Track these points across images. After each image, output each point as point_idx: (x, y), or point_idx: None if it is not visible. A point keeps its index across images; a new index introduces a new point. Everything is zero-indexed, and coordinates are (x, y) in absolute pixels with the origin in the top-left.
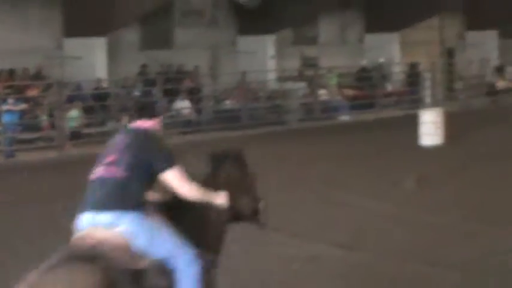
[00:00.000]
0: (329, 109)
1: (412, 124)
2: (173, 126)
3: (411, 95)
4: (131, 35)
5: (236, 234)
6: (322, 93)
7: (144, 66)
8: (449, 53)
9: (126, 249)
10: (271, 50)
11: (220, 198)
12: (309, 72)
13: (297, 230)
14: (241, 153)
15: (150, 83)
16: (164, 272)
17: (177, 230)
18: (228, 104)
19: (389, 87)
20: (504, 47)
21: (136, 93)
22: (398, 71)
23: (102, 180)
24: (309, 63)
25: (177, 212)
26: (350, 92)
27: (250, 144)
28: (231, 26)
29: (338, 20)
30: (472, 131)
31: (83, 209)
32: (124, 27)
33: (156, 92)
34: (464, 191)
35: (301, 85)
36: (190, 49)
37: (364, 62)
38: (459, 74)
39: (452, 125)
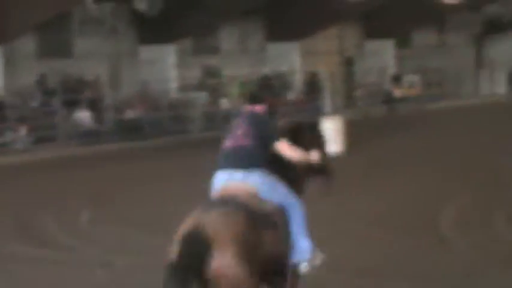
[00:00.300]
0: (231, 118)
1: None
2: (73, 136)
3: (312, 104)
4: (28, 44)
5: None
6: (224, 102)
7: (42, 75)
8: (349, 62)
9: (255, 197)
10: (172, 59)
11: (314, 156)
12: (211, 82)
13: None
14: (316, 122)
15: (49, 92)
16: (282, 214)
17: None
18: (130, 114)
19: (291, 96)
20: (400, 56)
21: (35, 103)
22: (299, 80)
23: (234, 148)
24: (211, 72)
25: (281, 170)
26: None
27: (152, 155)
28: (131, 35)
29: (239, 29)
30: (371, 138)
31: (218, 169)
32: (20, 36)
33: (56, 102)
34: (365, 199)
35: (203, 94)
36: (90, 58)
37: (266, 71)
38: (358, 82)
39: (352, 133)
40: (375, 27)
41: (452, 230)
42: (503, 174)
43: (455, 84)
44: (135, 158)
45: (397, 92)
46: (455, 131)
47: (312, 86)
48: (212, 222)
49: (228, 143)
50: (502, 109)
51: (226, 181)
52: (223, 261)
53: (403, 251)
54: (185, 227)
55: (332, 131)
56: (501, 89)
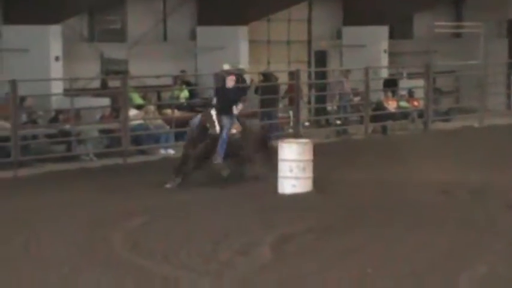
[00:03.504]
0: (143, 139)
1: None
2: None
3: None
4: None
5: None
6: (134, 116)
7: None
8: (321, 58)
9: None
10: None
11: None
12: (114, 83)
13: None
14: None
15: None
16: None
17: None
18: None
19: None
20: (397, 51)
21: None
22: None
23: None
24: (114, 68)
25: None
26: (177, 114)
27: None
28: None
29: None
30: (346, 171)
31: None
32: None
33: None
34: None
35: (104, 102)
36: None
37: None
38: (333, 88)
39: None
40: (359, 7)
41: None
42: None
43: (477, 94)
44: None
45: (392, 104)
46: None
47: (268, 92)
48: None
49: None
50: None
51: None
52: None
53: None
54: None
55: (295, 162)
56: None
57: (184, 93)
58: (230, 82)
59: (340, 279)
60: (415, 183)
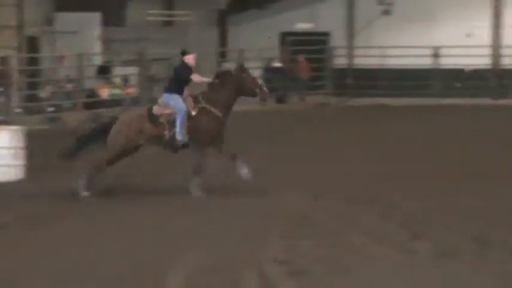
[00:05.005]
0: None
1: None
2: None
3: None
4: None
5: None
6: None
7: None
8: (32, 44)
9: None
10: None
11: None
12: None
13: None
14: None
15: None
16: None
17: None
18: None
19: None
20: (110, 38)
21: None
22: None
23: None
24: None
25: None
26: None
27: None
28: None
29: None
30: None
31: None
32: None
33: None
34: None
35: None
36: None
37: None
38: (47, 75)
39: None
40: None
41: None
42: None
43: None
44: None
45: (104, 92)
46: None
47: None
48: None
49: None
50: None
51: None
52: None
53: None
54: None
55: (6, 150)
56: None
57: None
58: (193, 60)
59: (53, 270)
60: (163, 168)
